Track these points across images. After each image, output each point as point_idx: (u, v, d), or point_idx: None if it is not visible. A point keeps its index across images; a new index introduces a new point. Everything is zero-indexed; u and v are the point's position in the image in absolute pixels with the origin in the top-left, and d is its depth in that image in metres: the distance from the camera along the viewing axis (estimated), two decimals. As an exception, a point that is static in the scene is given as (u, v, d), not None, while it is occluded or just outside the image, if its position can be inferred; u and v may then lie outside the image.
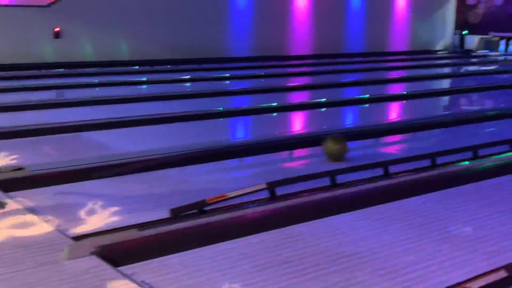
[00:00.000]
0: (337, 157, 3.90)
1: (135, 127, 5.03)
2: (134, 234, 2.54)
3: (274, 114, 6.02)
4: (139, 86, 8.04)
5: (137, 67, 9.80)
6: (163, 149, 4.06)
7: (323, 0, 12.84)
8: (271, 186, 3.03)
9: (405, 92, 7.90)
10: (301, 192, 3.14)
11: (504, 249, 2.49)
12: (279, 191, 3.06)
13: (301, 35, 12.68)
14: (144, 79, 8.36)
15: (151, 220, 2.76)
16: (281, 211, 2.92)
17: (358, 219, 2.81)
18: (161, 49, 10.74)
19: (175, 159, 3.85)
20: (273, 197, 3.02)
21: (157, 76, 8.83)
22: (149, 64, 10.00)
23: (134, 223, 2.72)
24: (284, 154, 4.37)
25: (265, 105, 6.29)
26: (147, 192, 3.24)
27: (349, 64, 11.31)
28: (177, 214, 2.75)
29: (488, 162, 3.75)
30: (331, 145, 3.92)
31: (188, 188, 3.32)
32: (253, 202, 2.98)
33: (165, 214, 2.79)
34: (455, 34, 15.50)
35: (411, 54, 13.84)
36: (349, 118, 6.39)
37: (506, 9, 14.51)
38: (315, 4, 12.70)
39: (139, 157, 3.82)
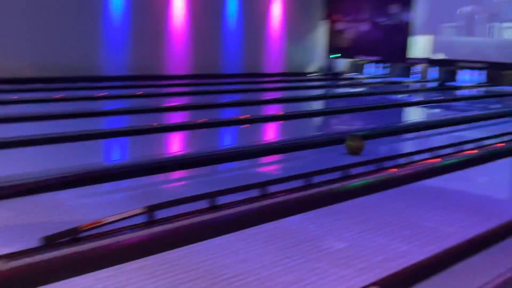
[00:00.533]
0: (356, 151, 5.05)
1: (2, 150, 4.73)
2: (1, 265, 2.37)
3: (151, 135, 5.94)
4: (8, 106, 7.59)
5: (6, 85, 9.26)
6: (34, 173, 3.85)
7: (201, 20, 12.95)
8: (150, 210, 2.97)
9: (280, 113, 8.14)
10: (181, 215, 3.10)
11: (374, 266, 2.63)
12: (158, 214, 3.01)
13: (178, 54, 12.68)
14: (15, 98, 7.92)
15: (21, 249, 2.60)
16: (160, 235, 2.87)
17: (238, 241, 2.83)
18: (32, 67, 10.24)
19: (46, 183, 3.66)
20: (151, 222, 2.96)
21: (28, 95, 8.40)
22: (18, 83, 9.48)
23: (1, 253, 2.54)
24: (163, 176, 4.31)
25: (141, 126, 6.19)
26: (16, 220, 3.05)
27: (226, 85, 11.46)
28: (50, 242, 2.61)
29: (358, 181, 3.94)
30: (350, 143, 5.07)
31: (61, 214, 3.17)
32: (130, 227, 2.90)
33: (36, 242, 2.64)
34: (326, 57, 16.27)
35: (286, 76, 14.32)
36: (226, 139, 6.46)
37: (371, 34, 15.47)
38: (192, 23, 12.77)
39: (7, 182, 3.59)
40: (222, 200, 3.37)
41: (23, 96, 8.25)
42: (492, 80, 13.77)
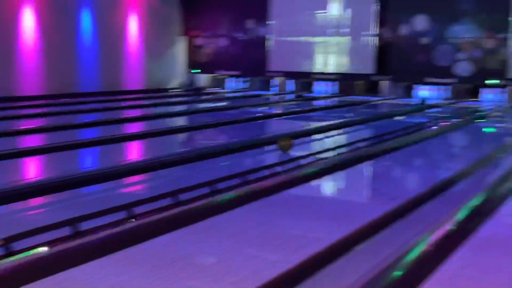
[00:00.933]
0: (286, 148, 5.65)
1: None
2: None
3: (4, 161, 5.55)
4: None
5: None
6: None
7: (53, 36, 12.40)
8: (6, 242, 2.77)
9: (143, 131, 7.99)
10: (40, 244, 2.92)
11: (246, 278, 2.65)
12: (17, 246, 2.81)
13: (29, 74, 12.03)
14: None
15: None
16: (19, 268, 2.68)
17: (106, 266, 2.72)
18: None
19: None
20: (8, 254, 2.76)
21: None
22: None
23: None
24: (20, 204, 4.04)
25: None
26: None
27: (84, 104, 11.05)
28: None
29: (225, 196, 3.97)
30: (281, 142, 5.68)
31: None
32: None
33: None
34: (186, 73, 16.32)
35: (146, 92, 14.14)
36: (87, 161, 6.22)
37: (230, 49, 15.77)
38: (44, 41, 12.19)
39: None
40: (86, 225, 3.24)
41: None
42: (344, 91, 14.61)
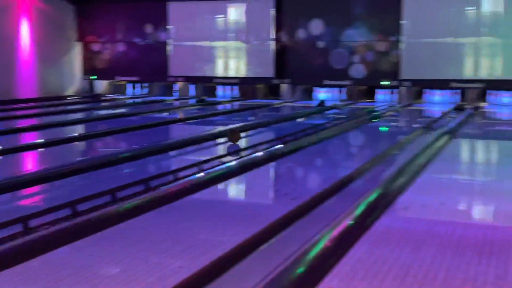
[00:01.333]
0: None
1: None
2: None
3: None
4: None
5: None
6: None
7: None
8: None
9: (38, 141, 7.66)
10: None
11: (150, 286, 2.61)
12: None
13: None
14: None
15: None
16: None
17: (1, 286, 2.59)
18: None
19: None
20: None
21: None
22: None
23: None
24: None
25: None
26: None
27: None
28: None
29: (127, 203, 3.89)
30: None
31: None
32: None
33: None
34: (84, 79, 15.85)
35: (41, 101, 13.58)
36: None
37: (129, 55, 15.49)
38: None
39: None
40: (-23, 241, 3.06)
41: None
42: (244, 94, 14.78)
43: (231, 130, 7.15)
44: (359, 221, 3.55)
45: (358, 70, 13.53)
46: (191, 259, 2.97)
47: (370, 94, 14.05)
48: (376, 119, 10.47)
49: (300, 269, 2.76)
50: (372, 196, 4.05)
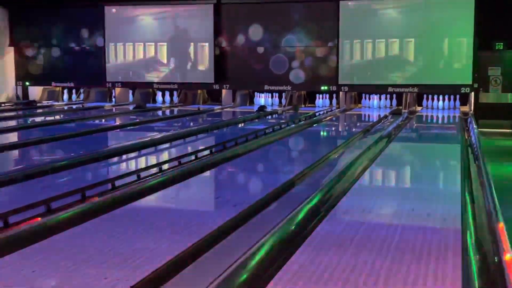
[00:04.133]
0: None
1: None
2: None
3: None
4: None
5: None
6: None
7: None
8: None
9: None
10: None
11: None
12: None
13: None
14: None
15: None
16: None
17: None
18: None
19: None
20: None
21: None
22: None
23: None
24: None
25: None
26: None
27: None
28: None
29: (62, 214, 3.76)
30: None
31: None
32: None
33: None
34: (16, 86, 15.32)
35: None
36: None
37: (65, 60, 15.09)
38: None
39: None
40: None
41: None
42: (185, 100, 14.65)
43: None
44: (300, 226, 3.54)
45: (297, 76, 13.65)
46: (130, 270, 2.88)
47: (309, 99, 14.20)
48: (315, 123, 10.58)
49: (243, 276, 2.72)
50: (313, 201, 4.06)
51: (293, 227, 3.46)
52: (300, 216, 3.69)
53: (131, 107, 13.53)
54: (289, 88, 13.79)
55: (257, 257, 2.94)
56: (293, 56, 13.64)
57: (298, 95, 14.18)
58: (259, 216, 3.99)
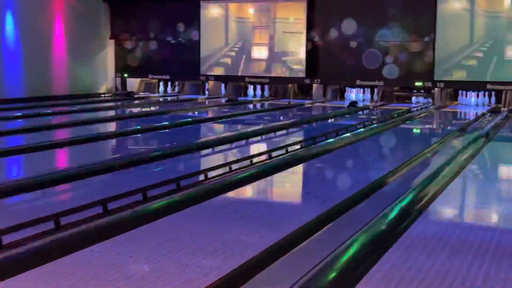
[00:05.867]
0: None
1: None
2: None
3: None
4: None
5: None
6: None
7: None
8: None
9: (72, 138, 7.72)
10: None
11: (180, 286, 2.58)
12: None
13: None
14: None
15: None
16: None
17: (32, 280, 2.59)
18: None
19: None
20: None
21: None
22: None
23: None
24: None
25: None
26: None
27: (8, 111, 10.60)
28: None
29: (158, 202, 3.88)
30: None
31: None
32: None
33: None
34: (116, 77, 15.98)
35: (74, 98, 13.74)
36: (13, 170, 5.96)
37: (161, 53, 15.56)
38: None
39: None
40: (9, 238, 3.08)
41: None
42: (275, 94, 14.72)
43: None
44: (392, 226, 3.47)
45: (390, 71, 13.35)
46: (220, 261, 2.93)
47: (403, 95, 13.86)
48: (409, 120, 10.30)
49: (332, 274, 2.70)
50: (405, 201, 3.96)
51: (384, 227, 3.39)
52: (392, 215, 3.61)
53: (223, 100, 13.76)
54: (381, 83, 13.52)
55: (347, 256, 2.90)
56: (387, 50, 13.35)
57: (391, 90, 13.86)
58: (348, 214, 3.94)
